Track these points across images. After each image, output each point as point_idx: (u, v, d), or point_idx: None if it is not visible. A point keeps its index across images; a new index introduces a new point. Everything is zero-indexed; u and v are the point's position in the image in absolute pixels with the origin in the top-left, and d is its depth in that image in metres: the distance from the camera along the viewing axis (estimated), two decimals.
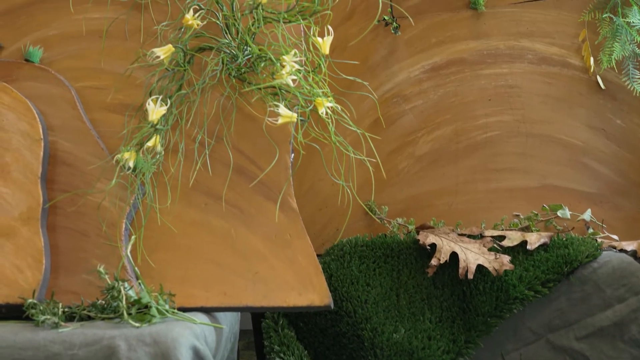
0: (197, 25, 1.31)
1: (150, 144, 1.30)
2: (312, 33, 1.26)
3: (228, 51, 1.33)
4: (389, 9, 1.72)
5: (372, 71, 1.73)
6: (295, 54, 1.22)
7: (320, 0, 1.27)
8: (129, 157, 1.28)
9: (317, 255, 1.41)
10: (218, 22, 1.35)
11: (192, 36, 1.34)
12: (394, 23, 1.72)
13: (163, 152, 1.33)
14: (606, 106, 1.67)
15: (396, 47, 1.73)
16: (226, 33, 1.36)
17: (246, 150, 1.40)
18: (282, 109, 1.20)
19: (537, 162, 1.68)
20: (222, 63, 1.31)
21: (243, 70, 1.32)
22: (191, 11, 1.32)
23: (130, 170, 1.30)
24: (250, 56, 1.33)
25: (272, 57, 1.21)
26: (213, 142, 1.36)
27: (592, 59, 1.65)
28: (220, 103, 1.37)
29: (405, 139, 1.72)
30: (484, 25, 1.71)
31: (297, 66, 1.20)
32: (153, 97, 1.27)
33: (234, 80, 1.33)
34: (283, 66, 1.21)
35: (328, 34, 1.26)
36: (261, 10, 1.24)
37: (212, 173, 1.38)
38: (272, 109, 1.21)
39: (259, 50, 1.24)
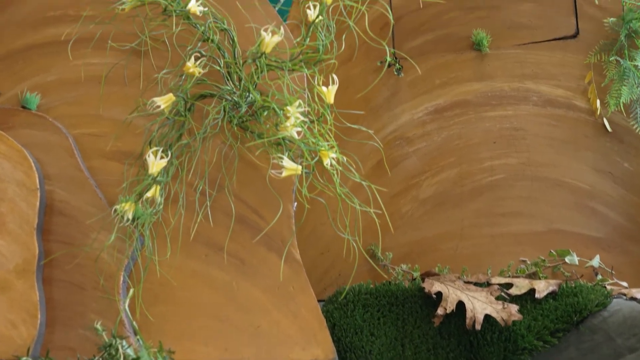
0: (199, 73, 1.28)
1: (149, 194, 1.26)
2: (316, 82, 1.23)
3: (230, 98, 1.30)
4: (392, 50, 1.70)
5: (374, 113, 1.70)
6: (299, 104, 1.18)
7: (324, 48, 1.24)
8: (128, 208, 1.24)
9: (319, 301, 1.38)
10: (220, 68, 1.32)
11: (194, 83, 1.31)
12: (397, 64, 1.69)
13: (163, 203, 1.29)
14: (613, 149, 1.64)
15: (399, 89, 1.71)
16: (228, 80, 1.33)
17: (248, 199, 1.37)
18: (287, 161, 1.17)
19: (543, 206, 1.65)
20: (224, 111, 1.28)
21: (245, 118, 1.28)
22: (192, 58, 1.29)
23: (129, 222, 1.26)
24: (252, 103, 1.30)
25: (276, 108, 1.18)
26: (215, 193, 1.32)
27: (598, 101, 1.62)
28: (223, 152, 1.33)
29: (409, 182, 1.69)
30: (488, 67, 1.69)
31: (301, 117, 1.17)
32: (153, 149, 1.24)
33: (235, 129, 1.30)
34: (287, 117, 1.18)
35: (333, 83, 1.23)
36: (264, 59, 1.21)
37: (213, 223, 1.34)
38: (275, 160, 1.17)
39: (263, 100, 1.21)
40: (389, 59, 1.67)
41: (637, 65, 1.55)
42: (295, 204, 1.36)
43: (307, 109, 1.21)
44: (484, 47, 1.67)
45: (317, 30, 1.23)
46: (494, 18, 1.69)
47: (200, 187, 1.34)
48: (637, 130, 1.58)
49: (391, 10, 1.71)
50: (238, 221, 1.36)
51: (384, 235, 1.59)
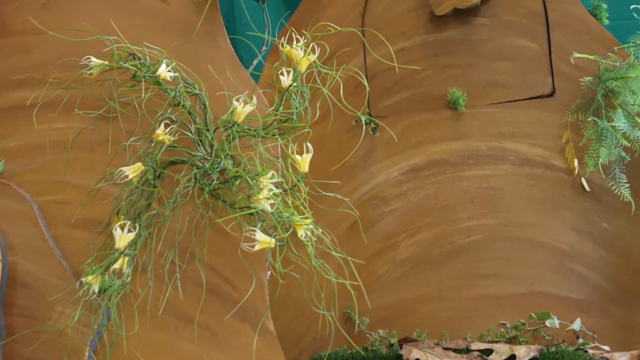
0: (168, 140, 1.24)
1: (117, 266, 1.21)
2: (290, 151, 1.20)
3: (201, 165, 1.26)
4: (367, 109, 1.68)
5: (349, 172, 1.68)
6: (272, 175, 1.14)
7: (298, 116, 1.21)
8: (94, 281, 1.19)
9: None
10: (191, 135, 1.28)
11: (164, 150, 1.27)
12: (372, 124, 1.67)
13: (130, 274, 1.24)
14: (592, 209, 1.62)
15: (374, 148, 1.68)
16: (199, 146, 1.29)
17: (220, 268, 1.32)
18: (259, 235, 1.12)
19: (522, 268, 1.62)
20: (195, 179, 1.24)
21: (217, 186, 1.24)
22: (162, 125, 1.25)
23: (95, 294, 1.20)
24: (224, 170, 1.25)
25: (249, 179, 1.14)
26: (185, 265, 1.28)
27: (576, 160, 1.60)
28: (194, 221, 1.29)
29: (386, 243, 1.65)
30: (465, 126, 1.67)
31: (274, 189, 1.13)
32: (120, 222, 1.19)
33: (207, 197, 1.25)
34: (260, 189, 1.13)
35: (307, 152, 1.19)
36: (236, 127, 1.18)
37: (183, 294, 1.29)
38: (248, 234, 1.13)
39: (235, 172, 1.16)
40: (363, 119, 1.65)
41: (615, 126, 1.53)
42: (269, 272, 1.32)
43: (280, 179, 1.17)
44: (460, 105, 1.65)
45: (290, 98, 1.20)
46: (469, 76, 1.67)
47: (171, 257, 1.29)
48: (615, 192, 1.56)
49: (366, 68, 1.70)
50: (209, 291, 1.31)
51: (361, 297, 1.55)
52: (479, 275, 1.62)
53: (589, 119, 1.57)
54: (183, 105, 1.29)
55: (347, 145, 1.68)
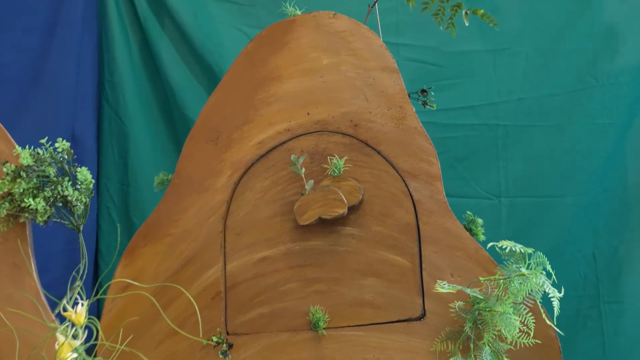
0: None
1: None
2: None
3: None
4: (218, 329, 1.52)
5: None
6: None
7: None
8: None
9: None
10: None
11: None
12: (224, 346, 1.50)
13: None
14: None
15: None
16: None
17: None
18: None
19: None
20: None
21: None
22: None
23: None
24: None
25: None
26: None
27: None
28: None
29: None
30: (326, 350, 1.51)
31: None
32: None
33: None
34: None
35: None
36: None
37: None
38: None
39: None
40: (215, 338, 1.50)
41: None
42: None
43: None
44: (320, 328, 1.49)
45: None
46: (335, 292, 1.52)
47: None
48: None
49: (225, 277, 1.55)
50: None
51: None
52: None
53: (453, 358, 1.40)
54: None
55: None
